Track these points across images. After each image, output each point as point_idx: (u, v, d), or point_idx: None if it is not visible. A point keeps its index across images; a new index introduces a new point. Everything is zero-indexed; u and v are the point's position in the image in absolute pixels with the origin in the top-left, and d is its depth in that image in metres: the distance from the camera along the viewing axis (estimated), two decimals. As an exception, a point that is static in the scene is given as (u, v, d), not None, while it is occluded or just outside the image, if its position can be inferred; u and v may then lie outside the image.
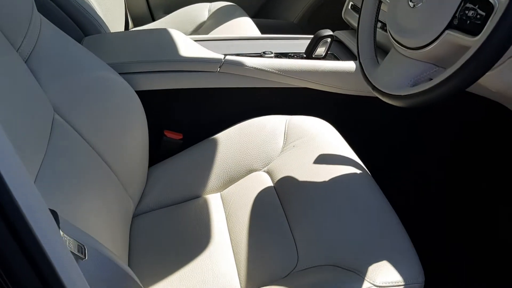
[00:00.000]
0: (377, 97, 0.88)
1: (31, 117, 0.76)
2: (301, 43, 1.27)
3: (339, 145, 1.04)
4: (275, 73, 1.11)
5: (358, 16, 0.93)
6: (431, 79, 0.74)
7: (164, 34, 1.18)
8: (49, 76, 0.84)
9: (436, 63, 0.76)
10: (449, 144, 1.30)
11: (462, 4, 0.67)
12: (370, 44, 0.89)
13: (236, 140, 1.09)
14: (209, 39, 1.27)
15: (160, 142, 1.13)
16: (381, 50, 1.21)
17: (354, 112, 1.20)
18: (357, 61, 1.16)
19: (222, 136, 1.10)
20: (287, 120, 1.11)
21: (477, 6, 0.64)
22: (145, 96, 1.05)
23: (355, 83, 1.15)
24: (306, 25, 2.06)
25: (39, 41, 0.84)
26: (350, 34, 1.31)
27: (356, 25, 1.27)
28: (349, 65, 1.15)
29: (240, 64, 1.10)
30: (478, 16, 0.64)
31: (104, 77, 0.95)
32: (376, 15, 0.91)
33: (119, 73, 1.03)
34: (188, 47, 1.12)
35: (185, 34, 1.69)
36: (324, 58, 1.19)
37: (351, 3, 1.31)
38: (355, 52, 1.21)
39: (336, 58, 1.22)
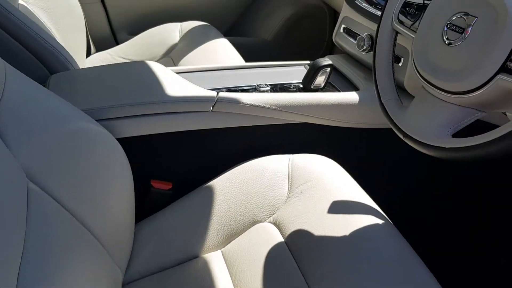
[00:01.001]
0: (386, 129, 0.79)
1: (2, 191, 0.62)
2: (294, 70, 1.16)
3: (351, 188, 0.94)
4: (273, 109, 1.00)
5: (373, 51, 0.83)
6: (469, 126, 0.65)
7: (143, 68, 1.03)
8: (18, 136, 0.69)
9: (479, 108, 0.67)
10: (475, 186, 1.23)
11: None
12: (390, 83, 0.80)
13: (234, 187, 0.96)
14: (192, 70, 1.13)
15: (147, 194, 0.98)
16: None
17: (361, 147, 1.11)
18: (360, 92, 1.08)
19: (218, 183, 0.98)
20: (290, 160, 1.00)
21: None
22: (129, 144, 0.91)
23: (359, 115, 1.05)
24: (281, 42, 1.96)
25: (5, 95, 0.69)
26: (344, 59, 1.22)
27: (350, 49, 1.20)
28: (352, 97, 1.05)
29: (236, 102, 0.97)
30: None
31: (81, 128, 0.80)
32: (393, 50, 0.82)
33: (98, 120, 0.88)
34: (175, 84, 0.98)
35: (155, 58, 1.57)
36: (323, 89, 1.09)
37: (343, 26, 1.22)
38: (356, 83, 1.12)
39: (335, 88, 1.12)
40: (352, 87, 1.12)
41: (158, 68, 1.04)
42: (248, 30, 1.97)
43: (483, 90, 0.62)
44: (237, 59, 1.41)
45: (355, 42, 1.13)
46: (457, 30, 0.66)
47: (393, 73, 0.81)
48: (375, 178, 1.15)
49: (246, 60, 1.42)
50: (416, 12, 0.76)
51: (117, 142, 0.87)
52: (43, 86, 0.98)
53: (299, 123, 1.04)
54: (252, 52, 1.88)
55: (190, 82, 1.01)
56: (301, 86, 1.09)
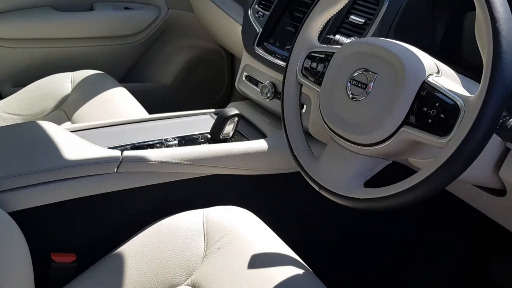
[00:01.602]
0: (296, 173, 0.80)
1: None
2: (200, 119, 1.14)
3: (268, 239, 0.93)
4: (183, 163, 0.96)
5: (281, 104, 0.84)
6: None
7: (34, 130, 0.94)
8: None
9: (386, 157, 0.70)
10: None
11: (416, 106, 0.62)
12: (300, 135, 0.81)
13: (146, 251, 0.90)
14: (90, 127, 1.06)
15: (48, 270, 0.88)
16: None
17: (274, 193, 1.11)
18: (268, 138, 1.09)
19: (128, 249, 0.90)
20: (204, 214, 0.96)
21: (435, 110, 0.60)
22: (23, 217, 0.81)
23: (270, 162, 1.06)
24: (179, 86, 1.93)
25: None
26: (248, 106, 1.23)
27: (253, 96, 1.21)
28: (261, 144, 1.06)
29: (143, 160, 0.92)
30: (442, 116, 0.60)
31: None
32: (299, 101, 0.84)
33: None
34: (72, 145, 0.90)
35: (44, 111, 1.45)
36: (232, 138, 1.08)
37: (245, 73, 1.23)
38: (263, 130, 1.13)
39: (243, 136, 1.12)
40: (260, 134, 1.13)
41: (51, 128, 0.95)
42: (145, 76, 1.92)
43: (389, 142, 0.65)
44: (138, 110, 1.35)
45: (259, 90, 1.15)
46: (359, 86, 0.69)
47: (301, 124, 0.83)
48: (291, 223, 1.15)
49: (146, 106, 1.37)
50: (319, 66, 0.79)
51: (9, 217, 0.77)
52: None
53: (210, 175, 1.01)
54: (151, 98, 1.83)
55: (88, 141, 0.94)
56: (209, 136, 1.07)
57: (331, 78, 0.74)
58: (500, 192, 0.75)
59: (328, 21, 1.01)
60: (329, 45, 0.83)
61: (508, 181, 0.70)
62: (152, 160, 0.93)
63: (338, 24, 1.02)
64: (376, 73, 0.67)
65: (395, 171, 0.78)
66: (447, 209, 1.27)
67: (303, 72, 0.82)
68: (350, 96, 0.70)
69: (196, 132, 1.08)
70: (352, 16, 1.00)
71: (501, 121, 0.64)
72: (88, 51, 1.71)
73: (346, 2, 0.79)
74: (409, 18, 0.93)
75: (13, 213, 0.79)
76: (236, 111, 1.05)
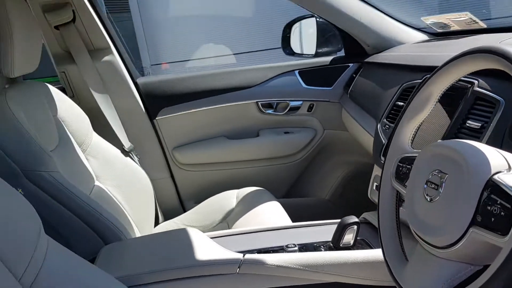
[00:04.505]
0: None
1: None
2: (325, 229, 1.19)
3: None
4: (299, 269, 1.02)
5: (377, 208, 0.86)
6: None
7: (180, 235, 1.14)
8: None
9: (469, 261, 0.65)
10: None
11: (483, 198, 0.59)
12: (394, 239, 0.80)
13: None
14: (227, 234, 1.22)
15: None
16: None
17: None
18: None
19: None
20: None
21: (499, 201, 0.57)
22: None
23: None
24: (338, 200, 2.01)
25: (44, 266, 0.81)
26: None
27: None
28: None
29: (261, 263, 1.01)
30: (503, 213, 0.56)
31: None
32: (396, 206, 0.84)
33: (131, 286, 0.96)
34: (205, 248, 1.06)
35: (213, 223, 1.69)
36: (353, 246, 1.09)
37: (375, 183, 1.26)
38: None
39: (367, 244, 1.12)
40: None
41: (193, 234, 1.13)
42: (305, 191, 2.06)
43: (461, 244, 0.62)
44: (283, 220, 1.48)
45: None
46: (434, 187, 0.68)
47: (399, 231, 0.82)
48: None
49: (303, 219, 1.47)
50: (407, 170, 0.80)
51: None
52: (96, 255, 1.12)
53: (327, 282, 1.03)
54: (310, 212, 1.95)
55: (221, 246, 1.08)
56: (331, 245, 1.11)
57: (412, 180, 0.75)
58: None
59: (447, 126, 1.02)
60: (416, 150, 0.84)
61: None
62: (270, 264, 1.01)
63: (456, 130, 1.01)
64: (446, 174, 0.67)
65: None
66: None
67: (396, 177, 0.84)
68: (427, 198, 0.69)
69: (319, 240, 1.13)
70: (469, 121, 0.99)
71: None
72: (253, 171, 1.97)
73: (432, 108, 0.81)
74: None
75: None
76: (355, 219, 1.08)
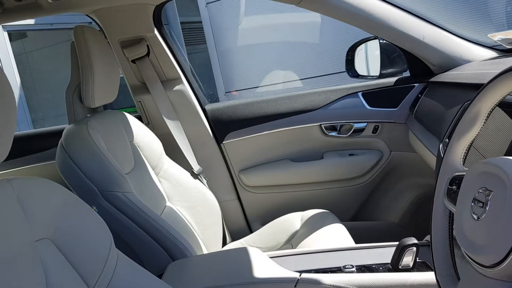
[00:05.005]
0: None
1: None
2: (386, 251, 1.18)
3: None
4: (356, 290, 1.02)
5: (429, 227, 0.85)
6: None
7: (241, 254, 1.19)
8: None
9: (521, 282, 0.63)
10: None
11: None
12: (446, 259, 0.79)
13: None
14: (287, 254, 1.24)
15: None
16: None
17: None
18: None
19: None
20: None
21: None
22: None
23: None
24: (409, 224, 1.95)
25: (114, 278, 0.89)
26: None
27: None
28: (442, 276, 1.01)
29: (317, 283, 1.03)
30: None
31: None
32: (449, 226, 0.83)
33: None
34: (263, 266, 1.10)
35: (278, 245, 1.72)
36: (412, 268, 1.07)
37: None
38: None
39: (428, 267, 1.09)
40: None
41: (253, 253, 1.18)
42: (374, 214, 2.03)
43: (506, 263, 0.60)
44: (346, 242, 1.47)
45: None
46: (480, 205, 0.67)
47: (451, 249, 0.81)
48: None
49: (370, 243, 1.45)
50: (457, 188, 0.79)
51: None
52: (163, 271, 1.19)
53: (385, 305, 1.02)
54: (377, 236, 1.92)
55: (278, 264, 1.11)
56: (390, 267, 1.10)
57: (461, 199, 0.74)
58: None
59: (509, 145, 1.00)
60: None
61: None
62: (326, 284, 1.03)
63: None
64: (492, 191, 0.65)
65: None
66: None
67: (447, 196, 0.83)
68: (474, 216, 0.68)
69: (378, 262, 1.12)
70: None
71: None
72: (317, 193, 1.98)
73: (482, 125, 0.80)
74: None
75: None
76: (414, 241, 1.06)
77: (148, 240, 1.26)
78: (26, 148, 1.94)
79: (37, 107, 7.26)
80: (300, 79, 6.16)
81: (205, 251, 1.61)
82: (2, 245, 0.72)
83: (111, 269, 0.90)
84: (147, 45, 1.81)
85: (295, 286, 1.04)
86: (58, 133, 1.47)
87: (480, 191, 0.68)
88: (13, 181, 0.80)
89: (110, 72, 1.48)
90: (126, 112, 1.71)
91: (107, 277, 0.88)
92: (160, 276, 1.20)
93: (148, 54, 1.83)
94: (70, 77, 1.45)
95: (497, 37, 1.54)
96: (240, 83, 6.70)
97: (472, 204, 0.69)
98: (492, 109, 0.76)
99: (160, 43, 1.80)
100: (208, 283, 1.08)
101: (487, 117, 0.78)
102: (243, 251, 1.22)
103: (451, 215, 0.84)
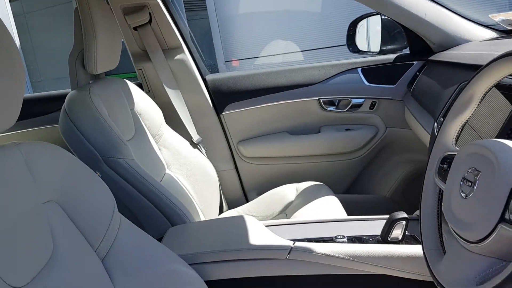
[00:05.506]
0: None
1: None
2: (377, 224, 1.22)
3: None
4: (347, 259, 1.07)
5: (419, 202, 0.89)
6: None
7: (238, 221, 1.23)
8: (123, 275, 0.90)
9: (501, 257, 0.67)
10: None
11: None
12: (433, 233, 0.83)
13: None
14: (281, 223, 1.29)
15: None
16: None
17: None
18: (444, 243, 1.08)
19: None
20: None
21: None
22: (215, 286, 1.07)
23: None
24: (399, 198, 2.01)
25: (116, 240, 0.94)
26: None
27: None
28: (429, 249, 1.06)
29: (310, 251, 1.08)
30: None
31: (174, 270, 0.99)
32: (438, 202, 0.87)
33: (191, 264, 1.07)
34: (259, 234, 1.14)
35: (273, 214, 1.77)
36: (401, 241, 1.12)
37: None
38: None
39: (416, 240, 1.14)
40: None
41: (250, 222, 1.22)
42: (366, 189, 2.08)
43: (490, 239, 0.64)
44: (338, 214, 1.52)
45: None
46: (468, 184, 0.71)
47: (439, 223, 0.85)
48: None
49: (362, 215, 1.50)
50: (449, 167, 0.83)
51: (204, 284, 1.04)
52: (163, 235, 1.24)
53: (374, 274, 1.08)
54: (371, 208, 1.97)
55: (274, 233, 1.16)
56: (380, 238, 1.14)
57: (451, 177, 0.77)
58: None
59: (501, 127, 1.03)
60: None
61: None
62: (318, 252, 1.08)
63: (509, 130, 1.01)
64: (480, 171, 0.69)
65: None
66: None
67: (438, 174, 0.86)
68: (462, 194, 0.72)
69: (368, 233, 1.17)
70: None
71: None
72: (313, 166, 2.02)
73: (476, 107, 0.83)
74: None
75: (208, 282, 1.06)
76: (404, 215, 1.10)
77: (149, 205, 1.30)
78: (28, 112, 1.97)
79: (36, 70, 7.20)
80: (301, 51, 6.13)
81: (202, 218, 1.66)
82: (11, 206, 0.75)
83: (114, 232, 0.94)
84: (149, 13, 1.81)
85: (288, 254, 1.08)
86: (61, 97, 1.48)
87: (470, 171, 0.72)
88: (21, 145, 0.83)
89: (113, 38, 1.49)
90: (126, 78, 1.72)
91: (110, 239, 0.92)
92: (159, 240, 1.25)
93: (150, 22, 1.83)
94: (73, 43, 1.46)
95: (498, 17, 1.55)
96: (240, 52, 6.66)
97: (461, 183, 0.73)
98: (487, 92, 0.79)
99: (163, 11, 1.80)
100: (206, 248, 1.12)
101: (482, 99, 0.81)
102: (240, 219, 1.26)
103: (440, 192, 0.88)
